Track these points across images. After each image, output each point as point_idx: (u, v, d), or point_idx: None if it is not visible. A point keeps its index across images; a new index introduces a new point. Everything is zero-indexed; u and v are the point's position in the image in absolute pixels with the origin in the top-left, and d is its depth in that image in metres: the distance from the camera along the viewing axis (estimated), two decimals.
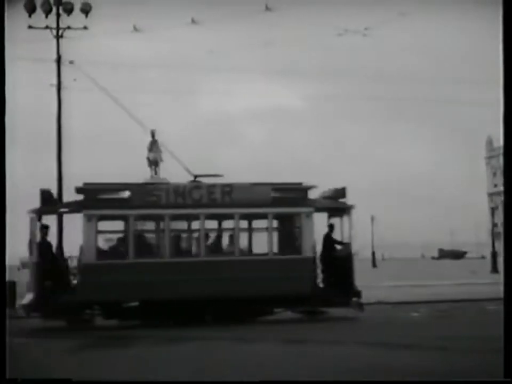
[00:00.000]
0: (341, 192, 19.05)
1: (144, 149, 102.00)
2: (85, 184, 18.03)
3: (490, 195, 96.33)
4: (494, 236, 53.49)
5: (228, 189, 18.25)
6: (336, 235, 19.20)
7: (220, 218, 18.94)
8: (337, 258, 18.81)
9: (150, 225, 19.66)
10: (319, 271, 18.70)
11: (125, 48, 62.77)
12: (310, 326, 17.48)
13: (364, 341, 14.24)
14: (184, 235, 19.25)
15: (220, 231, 19.12)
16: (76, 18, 23.90)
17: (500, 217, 77.97)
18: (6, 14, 7.49)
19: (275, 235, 18.73)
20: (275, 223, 18.82)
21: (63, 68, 23.84)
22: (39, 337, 16.11)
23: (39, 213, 17.83)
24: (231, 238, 18.71)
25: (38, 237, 17.79)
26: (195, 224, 18.71)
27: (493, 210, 64.64)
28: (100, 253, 17.78)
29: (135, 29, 27.58)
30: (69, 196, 24.33)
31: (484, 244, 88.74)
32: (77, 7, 23.82)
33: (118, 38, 33.10)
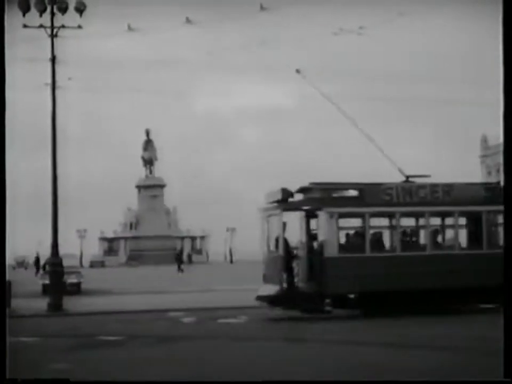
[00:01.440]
0: None
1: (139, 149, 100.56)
2: (315, 183, 19.52)
3: None
4: None
5: (448, 188, 19.87)
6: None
7: (441, 215, 20.34)
8: None
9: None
10: None
11: (119, 48, 62.69)
12: None
13: None
14: (410, 231, 20.43)
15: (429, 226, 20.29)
16: (70, 17, 23.80)
17: None
18: (5, 14, 7.44)
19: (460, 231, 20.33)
20: (463, 220, 20.41)
21: (57, 67, 23.79)
22: None
23: (283, 210, 19.21)
24: (435, 233, 20.18)
25: (282, 233, 19.02)
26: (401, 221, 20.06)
27: None
28: (340, 247, 19.13)
29: (130, 28, 27.51)
30: (66, 195, 24.32)
31: None
32: (72, 6, 23.72)
33: (113, 37, 33.04)
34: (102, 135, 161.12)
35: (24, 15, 23.14)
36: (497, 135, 72.53)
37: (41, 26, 23.39)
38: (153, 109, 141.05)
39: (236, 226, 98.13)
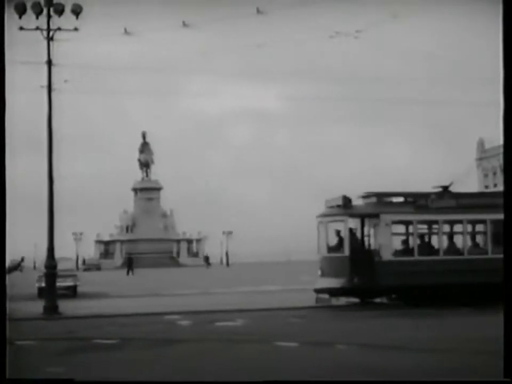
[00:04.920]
0: None
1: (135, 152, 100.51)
2: (371, 192, 22.30)
3: None
4: None
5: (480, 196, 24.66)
6: None
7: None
8: None
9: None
10: None
11: (115, 50, 62.70)
12: None
13: None
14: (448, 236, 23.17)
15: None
16: (67, 19, 23.76)
17: None
18: (5, 16, 7.39)
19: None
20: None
21: (53, 69, 23.75)
22: None
23: (348, 215, 22.20)
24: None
25: (347, 235, 22.09)
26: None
27: None
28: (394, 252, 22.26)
29: (126, 31, 27.47)
30: (62, 197, 24.25)
31: None
32: (68, 9, 23.68)
33: (109, 39, 33.00)
34: (98, 138, 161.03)
35: (20, 17, 23.10)
36: (493, 137, 72.72)
37: (37, 28, 23.36)
38: (149, 111, 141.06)
39: (232, 229, 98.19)
